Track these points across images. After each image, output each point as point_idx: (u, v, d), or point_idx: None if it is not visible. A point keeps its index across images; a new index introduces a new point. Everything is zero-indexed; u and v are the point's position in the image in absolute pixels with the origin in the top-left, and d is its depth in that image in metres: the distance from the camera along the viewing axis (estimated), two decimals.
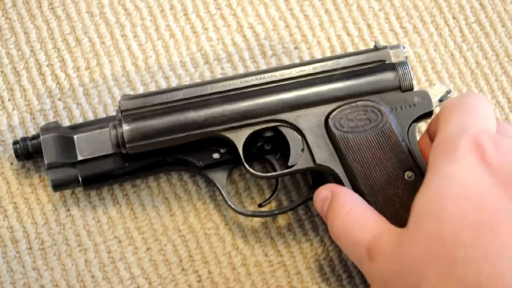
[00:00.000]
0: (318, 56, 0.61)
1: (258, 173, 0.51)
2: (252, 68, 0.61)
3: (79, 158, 0.53)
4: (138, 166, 0.54)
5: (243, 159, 0.49)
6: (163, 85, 0.60)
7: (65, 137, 0.53)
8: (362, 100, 0.48)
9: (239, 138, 0.49)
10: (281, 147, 0.53)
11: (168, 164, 0.54)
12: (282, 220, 0.57)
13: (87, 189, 0.56)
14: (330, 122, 0.48)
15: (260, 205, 0.56)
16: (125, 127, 0.48)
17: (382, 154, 0.47)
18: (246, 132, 0.49)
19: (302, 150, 0.49)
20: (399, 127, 0.48)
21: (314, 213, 0.57)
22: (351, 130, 0.47)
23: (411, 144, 0.48)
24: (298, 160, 0.49)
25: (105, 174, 0.53)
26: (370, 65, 0.50)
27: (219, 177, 0.54)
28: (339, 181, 0.48)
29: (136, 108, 0.49)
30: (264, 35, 0.62)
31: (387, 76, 0.49)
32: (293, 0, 0.63)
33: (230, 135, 0.49)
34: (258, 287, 0.56)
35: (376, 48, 0.51)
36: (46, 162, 0.52)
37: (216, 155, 0.53)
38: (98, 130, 0.54)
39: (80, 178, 0.53)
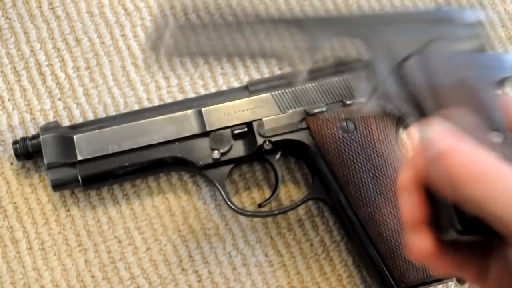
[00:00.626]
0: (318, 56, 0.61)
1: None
2: (252, 68, 0.61)
3: (79, 158, 0.53)
4: (138, 166, 0.54)
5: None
6: (164, 85, 0.60)
7: (65, 137, 0.53)
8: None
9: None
10: (281, 147, 0.53)
11: (168, 164, 0.54)
12: (282, 220, 0.57)
13: (87, 189, 0.56)
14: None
15: (260, 205, 0.56)
16: (169, 31, 0.42)
17: (471, 109, 0.39)
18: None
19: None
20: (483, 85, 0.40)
21: (314, 213, 0.57)
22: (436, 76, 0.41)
23: (496, 103, 0.38)
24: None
25: (105, 174, 0.54)
26: None
27: (219, 177, 0.54)
28: None
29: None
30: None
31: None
32: (293, 0, 0.63)
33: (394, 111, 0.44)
34: (259, 287, 0.56)
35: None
36: (46, 162, 0.52)
37: (216, 155, 0.53)
38: (98, 130, 0.54)
39: (80, 178, 0.53)
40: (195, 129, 0.54)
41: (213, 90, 0.60)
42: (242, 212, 0.54)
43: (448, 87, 0.38)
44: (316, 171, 0.54)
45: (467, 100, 0.38)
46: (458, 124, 0.36)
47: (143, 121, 0.54)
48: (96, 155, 0.53)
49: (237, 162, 0.54)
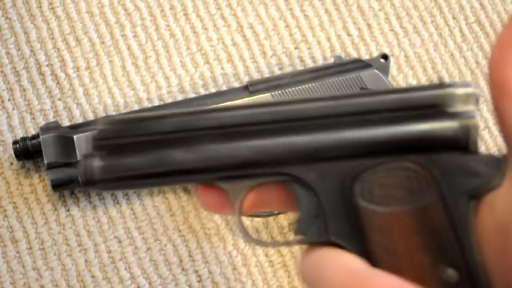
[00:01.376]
0: (319, 56, 0.61)
1: (259, 241, 0.38)
2: (252, 68, 0.61)
3: (79, 158, 0.53)
4: None
5: (240, 221, 0.36)
6: (164, 85, 0.60)
7: (65, 137, 0.53)
8: (403, 160, 0.33)
9: (236, 191, 0.35)
10: None
11: None
12: (282, 220, 0.57)
13: (87, 189, 0.56)
14: (356, 187, 0.33)
15: None
16: (97, 164, 0.35)
17: (419, 241, 0.32)
18: (247, 184, 0.35)
19: (315, 217, 0.34)
20: (450, 205, 0.32)
21: None
22: (382, 202, 0.33)
23: (464, 230, 0.32)
24: (310, 228, 0.35)
25: None
26: (425, 110, 0.33)
27: None
28: None
29: (115, 138, 0.36)
30: (264, 35, 0.62)
31: (446, 129, 0.33)
32: (293, 0, 0.63)
33: (227, 186, 0.35)
34: (259, 287, 0.55)
35: (440, 85, 0.34)
36: (46, 162, 0.52)
37: None
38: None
39: (80, 178, 0.53)
40: None
41: (213, 90, 0.60)
42: None
43: (391, 217, 0.33)
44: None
45: (415, 231, 0.32)
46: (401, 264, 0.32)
47: None
48: None
49: None
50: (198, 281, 0.55)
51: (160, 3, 0.62)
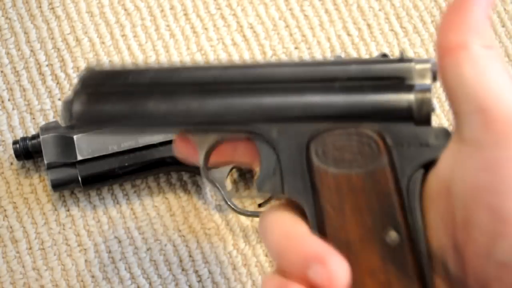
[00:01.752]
0: (319, 56, 0.61)
1: (227, 197, 0.41)
2: None
3: (79, 158, 0.53)
4: (138, 166, 0.54)
5: (204, 171, 0.39)
6: None
7: (65, 137, 0.53)
8: (359, 126, 0.35)
9: (203, 143, 0.38)
10: None
11: (168, 164, 0.54)
12: None
13: (87, 189, 0.56)
14: (312, 147, 0.36)
15: (260, 205, 0.56)
16: (76, 107, 0.38)
17: (365, 203, 0.35)
18: (213, 138, 0.38)
19: (274, 172, 0.37)
20: (398, 171, 0.35)
21: None
22: (334, 163, 0.35)
23: (410, 196, 0.35)
24: (267, 184, 0.37)
25: (105, 174, 0.54)
26: (382, 81, 0.36)
27: (219, 177, 0.54)
28: (306, 221, 0.36)
29: (96, 85, 0.39)
30: (264, 35, 0.62)
31: (401, 100, 0.35)
32: (293, 0, 0.63)
33: (194, 137, 0.38)
34: (259, 287, 0.55)
35: (400, 59, 0.36)
36: (46, 162, 0.53)
37: None
38: (98, 130, 0.54)
39: (80, 178, 0.53)
40: None
41: None
42: (242, 212, 0.54)
43: (342, 177, 0.35)
44: None
45: (362, 193, 0.35)
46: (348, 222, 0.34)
47: None
48: (96, 155, 0.53)
49: None
50: (198, 281, 0.55)
51: (160, 3, 0.62)
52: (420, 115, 0.34)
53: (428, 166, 0.34)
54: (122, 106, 0.38)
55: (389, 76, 0.35)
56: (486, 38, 0.32)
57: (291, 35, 0.62)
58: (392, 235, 0.34)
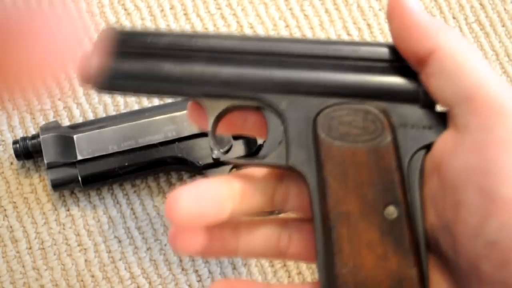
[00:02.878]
0: None
1: (224, 156, 0.42)
2: None
3: (79, 157, 0.53)
4: (138, 166, 0.54)
5: (212, 136, 0.40)
6: None
7: (64, 137, 0.53)
8: (366, 104, 0.37)
9: (213, 108, 0.39)
10: None
11: (168, 163, 0.54)
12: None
13: (87, 189, 0.56)
14: (319, 120, 0.37)
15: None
16: (94, 63, 0.39)
17: (367, 177, 0.36)
18: (223, 104, 0.39)
19: (280, 143, 0.38)
20: (401, 150, 0.36)
21: None
22: (340, 137, 0.37)
23: (410, 174, 0.36)
24: (272, 152, 0.38)
25: (105, 174, 0.54)
26: (392, 64, 0.38)
27: (221, 174, 0.54)
28: (308, 192, 0.38)
29: (114, 43, 0.40)
30: (264, 34, 0.62)
31: (408, 83, 0.37)
32: (293, 0, 0.63)
33: (205, 102, 0.39)
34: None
35: None
36: (45, 161, 0.53)
37: (216, 154, 0.53)
38: (98, 130, 0.54)
39: (79, 178, 0.53)
40: (195, 128, 0.54)
41: None
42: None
43: (346, 151, 0.36)
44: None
45: (365, 167, 0.36)
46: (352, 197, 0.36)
47: (143, 120, 0.54)
48: (96, 155, 0.53)
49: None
50: (198, 281, 0.55)
51: (160, 3, 0.62)
52: (425, 99, 0.36)
53: (429, 148, 0.36)
54: (139, 66, 0.39)
55: (398, 59, 0.37)
56: (447, 28, 0.34)
57: (291, 35, 0.62)
58: (391, 210, 0.35)
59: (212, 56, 0.39)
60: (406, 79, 0.37)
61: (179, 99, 0.59)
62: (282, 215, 0.49)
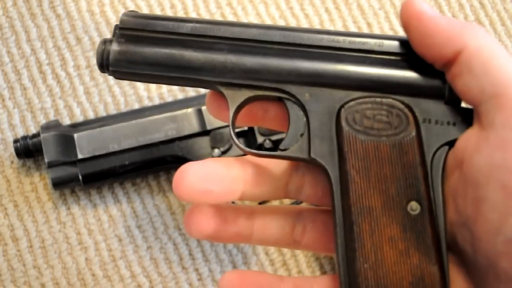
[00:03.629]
0: None
1: (243, 147, 0.40)
2: None
3: (80, 156, 0.53)
4: (138, 165, 0.54)
5: (232, 126, 0.39)
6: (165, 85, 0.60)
7: (65, 136, 0.53)
8: (390, 98, 0.37)
9: (234, 98, 0.38)
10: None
11: (168, 162, 0.54)
12: None
13: (87, 188, 0.56)
14: (343, 113, 0.37)
15: (260, 204, 0.56)
16: (114, 47, 0.38)
17: (390, 172, 0.36)
18: (245, 94, 0.38)
19: (301, 135, 0.38)
20: (424, 145, 0.36)
21: None
22: (364, 130, 0.36)
23: (433, 170, 0.36)
24: (293, 145, 0.38)
25: (105, 173, 0.54)
26: (416, 58, 0.37)
27: None
28: (330, 185, 0.38)
29: (135, 29, 0.39)
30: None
31: (433, 78, 0.36)
32: (293, 0, 0.63)
33: (227, 91, 0.38)
34: None
35: None
36: (46, 160, 0.53)
37: (216, 154, 0.54)
38: (98, 129, 0.54)
39: (80, 177, 0.53)
40: (195, 127, 0.54)
41: None
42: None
43: (369, 145, 0.36)
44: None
45: (388, 162, 0.36)
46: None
47: (143, 119, 0.54)
48: (96, 153, 0.53)
49: None
50: (199, 280, 0.55)
51: (160, 2, 0.62)
52: (451, 95, 0.35)
53: (452, 144, 0.35)
54: (160, 52, 0.38)
55: None
56: (470, 27, 0.34)
57: None
58: (414, 206, 0.35)
59: (236, 44, 0.38)
60: (431, 75, 0.36)
61: (179, 98, 0.59)
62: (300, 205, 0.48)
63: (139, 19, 0.39)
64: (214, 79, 0.38)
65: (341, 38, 0.37)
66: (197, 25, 0.38)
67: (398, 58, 0.37)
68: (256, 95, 0.38)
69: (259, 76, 0.37)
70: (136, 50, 0.38)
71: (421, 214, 0.35)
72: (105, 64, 0.38)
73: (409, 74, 0.36)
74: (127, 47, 0.38)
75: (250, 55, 0.38)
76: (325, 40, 0.37)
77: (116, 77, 0.39)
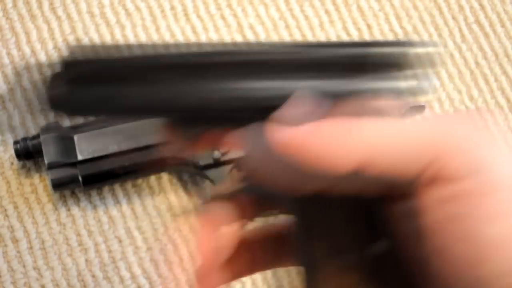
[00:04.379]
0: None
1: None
2: None
3: (80, 158, 0.53)
4: (138, 166, 0.54)
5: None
6: None
7: (65, 137, 0.53)
8: None
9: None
10: None
11: (168, 164, 0.54)
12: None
13: (87, 189, 0.56)
14: None
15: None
16: (54, 91, 0.33)
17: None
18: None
19: None
20: None
21: None
22: None
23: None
24: None
25: (105, 174, 0.54)
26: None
27: (219, 177, 0.54)
28: None
29: (76, 68, 0.33)
30: (264, 35, 0.62)
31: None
32: (293, 0, 0.63)
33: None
34: (259, 287, 0.56)
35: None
36: (46, 162, 0.53)
37: (216, 155, 0.54)
38: (98, 130, 0.54)
39: (80, 178, 0.53)
40: None
41: None
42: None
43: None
44: None
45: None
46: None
47: (143, 121, 0.54)
48: (96, 155, 0.53)
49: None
50: None
51: (161, 3, 0.62)
52: None
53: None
54: (102, 92, 0.32)
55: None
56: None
57: (291, 35, 0.62)
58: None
59: (184, 73, 0.31)
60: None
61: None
62: None
63: (80, 57, 0.33)
64: (163, 115, 0.33)
65: (283, 50, 0.31)
66: (141, 59, 0.32)
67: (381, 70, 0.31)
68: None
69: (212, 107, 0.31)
70: (79, 93, 0.33)
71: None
72: (45, 103, 0.33)
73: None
74: (73, 87, 0.33)
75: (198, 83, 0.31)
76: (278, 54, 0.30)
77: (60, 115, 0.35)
